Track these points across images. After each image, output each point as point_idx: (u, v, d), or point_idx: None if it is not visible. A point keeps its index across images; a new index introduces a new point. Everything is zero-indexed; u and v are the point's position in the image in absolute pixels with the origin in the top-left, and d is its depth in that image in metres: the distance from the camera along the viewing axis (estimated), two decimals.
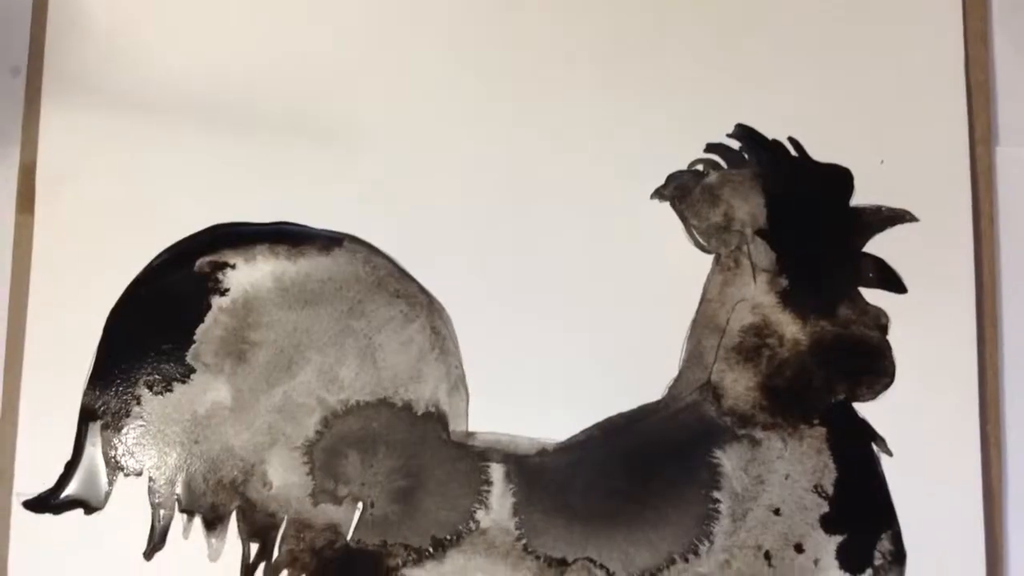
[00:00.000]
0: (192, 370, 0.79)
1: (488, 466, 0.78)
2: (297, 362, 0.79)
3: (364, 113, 0.84)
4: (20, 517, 0.79)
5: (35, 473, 0.79)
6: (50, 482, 0.79)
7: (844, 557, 0.77)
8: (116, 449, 0.79)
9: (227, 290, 0.80)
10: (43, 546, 0.78)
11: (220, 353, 0.79)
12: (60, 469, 0.79)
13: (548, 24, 0.85)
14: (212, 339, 0.79)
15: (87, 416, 0.79)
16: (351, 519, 0.78)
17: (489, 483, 0.78)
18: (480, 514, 0.78)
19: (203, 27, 0.85)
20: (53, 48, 0.85)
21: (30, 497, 0.79)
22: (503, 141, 0.83)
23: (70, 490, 0.79)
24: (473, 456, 0.79)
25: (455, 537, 0.77)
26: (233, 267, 0.80)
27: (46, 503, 0.79)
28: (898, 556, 0.77)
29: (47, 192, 0.83)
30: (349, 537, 0.78)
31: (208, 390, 0.79)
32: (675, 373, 0.80)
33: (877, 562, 0.77)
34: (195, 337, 0.79)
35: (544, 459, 0.79)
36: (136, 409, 0.79)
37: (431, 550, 0.77)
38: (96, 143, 0.84)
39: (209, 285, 0.80)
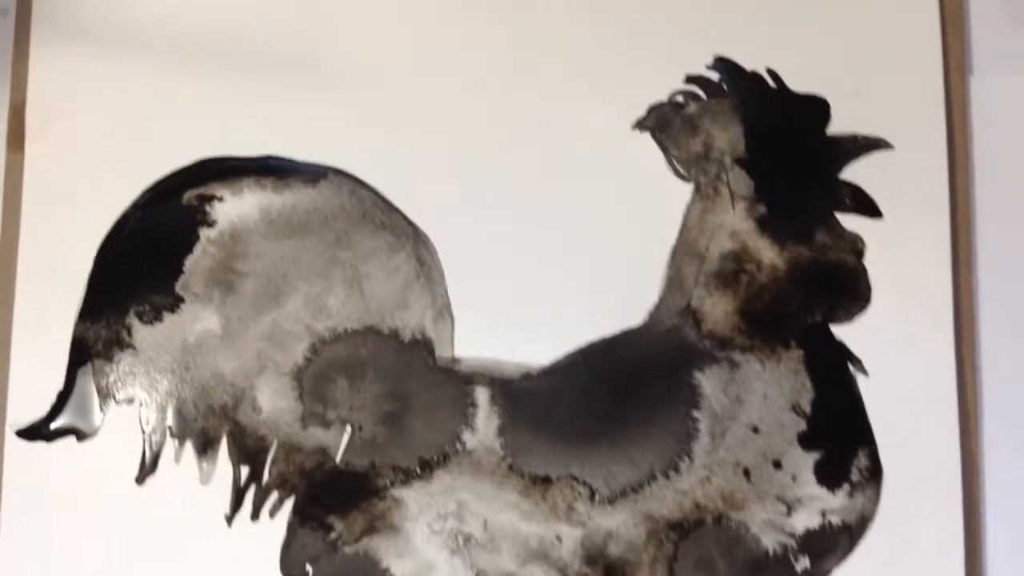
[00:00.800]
0: (181, 300, 0.80)
1: (473, 389, 0.80)
2: (284, 291, 0.81)
3: (351, 46, 0.85)
4: (13, 446, 0.80)
5: (28, 403, 0.80)
6: (42, 411, 0.80)
7: (821, 473, 0.78)
8: (107, 378, 0.80)
9: (215, 222, 0.81)
10: (36, 473, 0.80)
11: (209, 283, 0.80)
12: (52, 399, 0.80)
13: None
14: (201, 270, 0.81)
15: (79, 346, 0.80)
16: (340, 442, 0.79)
17: (475, 406, 0.80)
18: (466, 435, 0.79)
19: None
20: None
21: (23, 426, 0.80)
22: (489, 72, 0.84)
23: (62, 419, 0.80)
24: (459, 380, 0.80)
25: (442, 458, 0.79)
26: (220, 199, 0.81)
27: (39, 432, 0.80)
28: (875, 472, 0.79)
29: (37, 130, 0.84)
30: (338, 459, 0.79)
31: (198, 319, 0.80)
32: (656, 299, 0.81)
33: (854, 478, 0.79)
34: (184, 268, 0.80)
35: (528, 382, 0.80)
36: (127, 339, 0.80)
37: (418, 470, 0.79)
38: (85, 81, 0.85)
39: (197, 217, 0.81)
